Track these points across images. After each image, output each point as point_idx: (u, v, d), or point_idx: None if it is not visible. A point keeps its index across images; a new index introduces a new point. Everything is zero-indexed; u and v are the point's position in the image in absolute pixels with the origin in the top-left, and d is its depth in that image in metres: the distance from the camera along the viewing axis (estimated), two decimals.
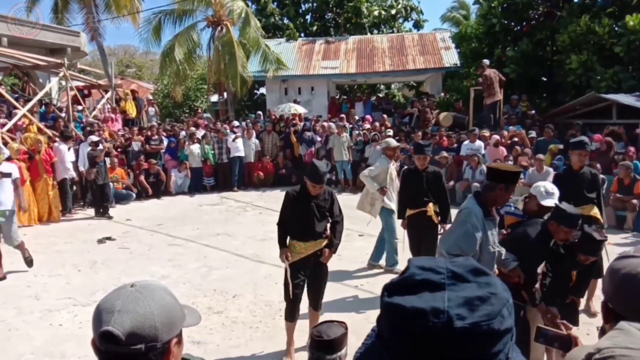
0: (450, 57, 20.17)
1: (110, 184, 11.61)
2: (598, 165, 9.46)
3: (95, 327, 1.24)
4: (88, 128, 12.97)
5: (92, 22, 18.45)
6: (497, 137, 12.23)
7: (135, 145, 13.51)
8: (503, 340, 0.83)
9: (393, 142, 7.27)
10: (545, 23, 15.70)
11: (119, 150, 13.27)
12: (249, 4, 21.45)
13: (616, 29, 13.09)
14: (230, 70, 18.23)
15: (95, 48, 19.78)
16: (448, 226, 5.73)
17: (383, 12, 25.99)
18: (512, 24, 16.41)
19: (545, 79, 16.19)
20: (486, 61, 14.11)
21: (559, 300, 3.86)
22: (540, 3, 16.04)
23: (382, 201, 6.92)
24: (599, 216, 5.45)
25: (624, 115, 11.81)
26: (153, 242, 8.75)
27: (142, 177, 12.87)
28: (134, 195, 12.59)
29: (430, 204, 6.05)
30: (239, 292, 6.23)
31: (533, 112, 14.37)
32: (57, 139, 11.42)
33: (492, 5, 15.79)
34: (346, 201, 12.16)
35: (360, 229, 8.39)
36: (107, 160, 11.30)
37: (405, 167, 7.47)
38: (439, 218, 6.15)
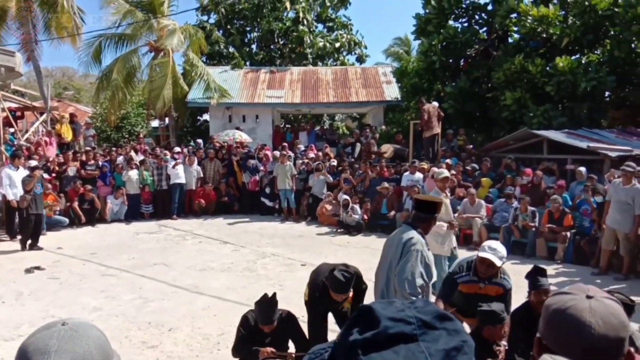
0: (392, 91, 20.71)
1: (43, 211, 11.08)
2: (527, 198, 9.94)
3: None
4: (19, 151, 12.38)
5: (29, 42, 17.81)
6: (435, 169, 12.56)
7: (71, 171, 12.98)
8: None
9: (443, 173, 6.84)
10: (482, 61, 16.44)
11: (53, 175, 12.72)
12: (194, 31, 21.32)
13: (548, 69, 13.86)
14: (170, 96, 18.01)
15: (32, 69, 19.05)
16: None
17: (328, 45, 26.50)
18: (451, 61, 17.06)
19: (480, 115, 16.86)
20: (435, 103, 14.55)
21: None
22: (478, 42, 16.81)
23: (452, 235, 6.48)
24: None
25: (554, 151, 12.42)
26: (85, 272, 8.35)
27: (75, 204, 12.35)
28: (67, 220, 12.06)
29: None
30: (175, 325, 5.99)
31: (471, 146, 14.87)
32: None
33: (433, 42, 16.37)
34: (288, 230, 12.20)
35: (302, 258, 8.34)
36: (42, 187, 10.65)
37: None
38: None
